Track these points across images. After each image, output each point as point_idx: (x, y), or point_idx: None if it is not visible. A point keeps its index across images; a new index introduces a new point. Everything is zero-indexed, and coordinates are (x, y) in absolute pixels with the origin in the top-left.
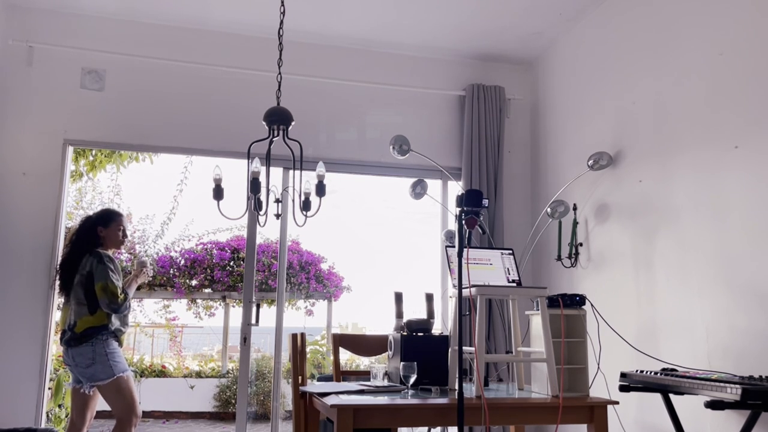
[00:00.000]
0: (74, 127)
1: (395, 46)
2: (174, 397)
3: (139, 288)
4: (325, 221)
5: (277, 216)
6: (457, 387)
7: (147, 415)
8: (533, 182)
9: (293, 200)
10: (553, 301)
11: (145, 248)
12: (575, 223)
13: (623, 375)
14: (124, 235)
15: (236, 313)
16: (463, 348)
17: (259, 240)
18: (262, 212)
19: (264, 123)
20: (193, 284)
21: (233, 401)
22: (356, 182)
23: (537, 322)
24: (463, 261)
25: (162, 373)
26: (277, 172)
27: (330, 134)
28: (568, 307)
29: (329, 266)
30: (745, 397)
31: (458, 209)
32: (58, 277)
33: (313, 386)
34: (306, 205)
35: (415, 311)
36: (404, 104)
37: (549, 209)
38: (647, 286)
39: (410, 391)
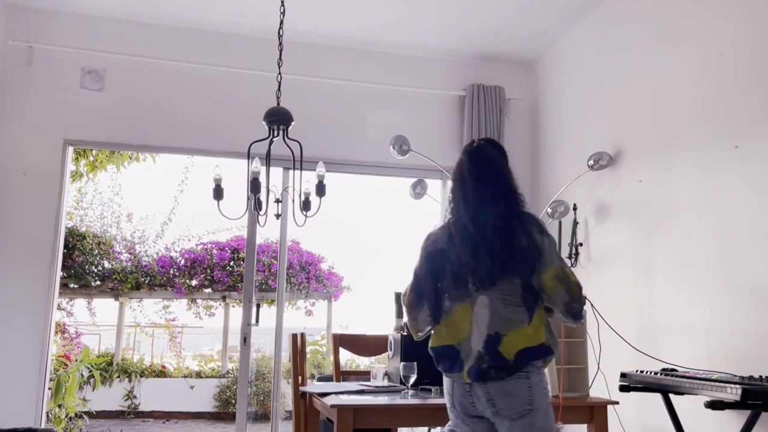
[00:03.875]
0: (74, 127)
1: (395, 46)
2: (174, 398)
3: None
4: (325, 221)
5: (277, 216)
6: None
7: (147, 415)
8: (533, 182)
9: (293, 200)
10: None
11: (145, 248)
12: (575, 223)
13: (623, 375)
14: None
15: (236, 313)
16: None
17: (259, 240)
18: (262, 212)
19: (264, 123)
20: (193, 284)
21: (233, 401)
22: (356, 182)
23: None
24: None
25: (162, 373)
26: (277, 172)
27: (330, 134)
28: None
29: (329, 266)
30: (745, 397)
31: None
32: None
33: (313, 386)
34: (306, 205)
35: None
36: (404, 104)
37: (549, 209)
38: (647, 286)
39: (410, 391)
